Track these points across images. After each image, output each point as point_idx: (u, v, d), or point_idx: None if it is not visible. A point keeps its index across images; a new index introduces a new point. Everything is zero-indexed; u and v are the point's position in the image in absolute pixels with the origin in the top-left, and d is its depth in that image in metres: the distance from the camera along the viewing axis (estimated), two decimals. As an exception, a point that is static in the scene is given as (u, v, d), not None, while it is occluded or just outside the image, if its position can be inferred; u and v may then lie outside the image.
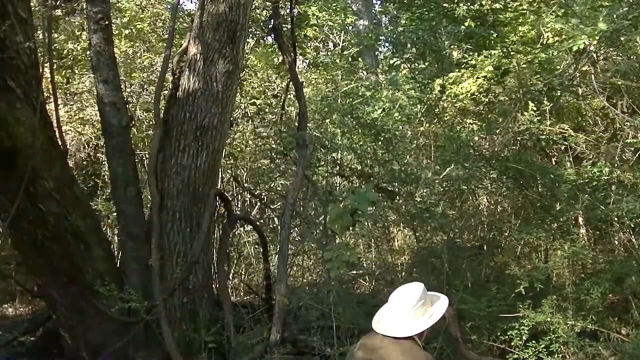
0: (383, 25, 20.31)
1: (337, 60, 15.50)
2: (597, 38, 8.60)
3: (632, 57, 9.41)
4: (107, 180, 11.26)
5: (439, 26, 11.33)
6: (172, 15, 9.28)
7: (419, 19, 11.83)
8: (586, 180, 8.70)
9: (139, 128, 11.97)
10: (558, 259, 8.61)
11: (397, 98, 11.34)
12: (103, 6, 8.48)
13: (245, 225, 12.03)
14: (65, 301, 7.83)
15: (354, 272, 10.71)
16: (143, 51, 13.02)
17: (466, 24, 11.11)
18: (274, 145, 12.63)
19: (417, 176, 10.61)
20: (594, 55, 9.62)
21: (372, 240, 11.82)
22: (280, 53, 11.15)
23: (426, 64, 12.68)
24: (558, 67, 9.85)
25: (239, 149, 12.57)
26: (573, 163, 9.89)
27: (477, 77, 10.25)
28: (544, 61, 9.72)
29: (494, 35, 10.86)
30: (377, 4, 21.29)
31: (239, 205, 12.92)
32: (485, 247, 10.63)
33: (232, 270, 11.67)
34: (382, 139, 10.86)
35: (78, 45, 12.45)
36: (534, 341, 7.36)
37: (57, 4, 11.70)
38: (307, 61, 17.17)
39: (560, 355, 7.46)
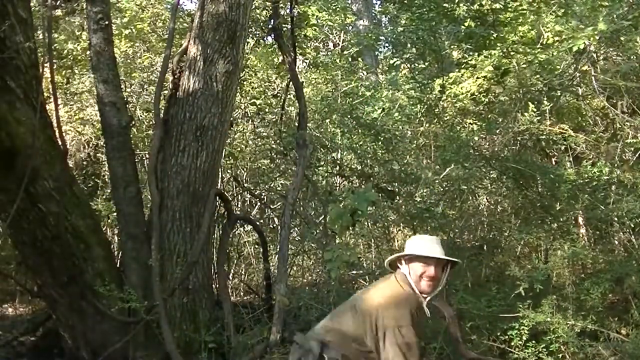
0: (383, 25, 20.32)
1: (337, 60, 15.47)
2: (597, 38, 8.61)
3: (632, 57, 9.41)
4: (107, 180, 11.26)
5: (439, 26, 11.33)
6: (172, 15, 9.27)
7: (419, 19, 11.82)
8: (586, 180, 8.70)
9: (139, 128, 11.96)
10: (558, 259, 8.61)
11: (397, 98, 11.34)
12: (103, 6, 8.48)
13: (245, 225, 12.03)
14: (65, 301, 7.82)
15: (354, 272, 10.70)
16: (143, 51, 13.02)
17: (466, 24, 11.10)
18: (274, 145, 12.62)
19: (417, 176, 10.61)
20: (594, 56, 9.63)
21: (372, 240, 11.81)
22: (280, 53, 11.13)
23: (426, 64, 12.68)
24: (558, 67, 9.85)
25: (239, 149, 12.56)
26: (573, 163, 9.91)
27: (477, 77, 10.25)
28: (544, 61, 9.71)
29: (494, 35, 10.85)
30: (377, 4, 21.32)
31: (239, 205, 12.92)
32: (485, 247, 10.63)
33: (232, 270, 11.67)
34: (382, 139, 10.87)
35: (78, 45, 12.45)
36: (534, 341, 7.36)
37: (57, 4, 11.72)
38: (307, 61, 17.16)
39: (560, 355, 7.46)
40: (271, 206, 12.65)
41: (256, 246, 12.30)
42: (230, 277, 11.41)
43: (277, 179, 12.79)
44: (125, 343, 7.77)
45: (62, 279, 7.68)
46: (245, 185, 12.58)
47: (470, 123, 10.67)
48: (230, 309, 8.46)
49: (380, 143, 10.98)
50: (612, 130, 10.35)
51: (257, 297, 10.66)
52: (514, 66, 9.89)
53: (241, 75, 10.79)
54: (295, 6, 11.84)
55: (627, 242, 9.49)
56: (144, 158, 11.65)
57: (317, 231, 10.44)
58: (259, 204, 12.80)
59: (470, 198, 11.22)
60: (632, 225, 8.90)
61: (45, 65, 7.81)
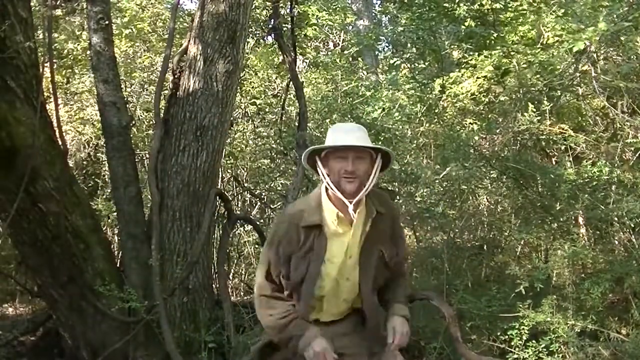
0: (383, 25, 20.33)
1: (337, 60, 15.49)
2: (597, 39, 8.60)
3: (632, 58, 9.40)
4: (107, 180, 11.26)
5: (439, 26, 11.36)
6: (172, 15, 9.25)
7: (419, 18, 11.83)
8: (586, 180, 8.69)
9: (139, 128, 11.96)
10: (558, 258, 8.60)
11: (397, 98, 11.35)
12: (103, 6, 8.46)
13: (245, 225, 12.01)
14: (65, 301, 7.81)
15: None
16: (143, 51, 13.02)
17: (466, 23, 11.12)
18: (274, 145, 12.62)
19: (417, 176, 10.60)
20: (594, 56, 9.62)
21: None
22: (280, 53, 11.14)
23: (426, 63, 12.70)
24: (558, 67, 9.83)
25: (239, 149, 12.56)
26: (573, 163, 9.89)
27: (477, 77, 10.25)
28: (544, 61, 9.71)
29: (494, 35, 10.86)
30: (377, 3, 21.33)
31: (239, 205, 12.91)
32: (485, 247, 10.64)
33: (232, 270, 11.66)
34: (382, 138, 10.86)
35: (78, 45, 12.44)
36: (534, 341, 7.35)
37: (58, 3, 11.69)
38: (307, 61, 17.18)
39: (560, 355, 7.45)
40: (271, 206, 12.63)
41: (256, 246, 12.28)
42: (231, 277, 11.41)
43: (277, 178, 12.79)
44: (126, 343, 7.76)
45: (62, 279, 7.66)
46: (246, 185, 12.58)
47: (470, 123, 10.67)
48: (231, 308, 8.45)
49: (380, 143, 10.97)
50: (612, 130, 10.34)
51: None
52: (514, 66, 9.90)
53: (241, 75, 10.79)
54: (296, 6, 11.85)
55: (627, 242, 9.47)
56: (144, 158, 11.64)
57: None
58: (259, 203, 12.78)
59: (470, 198, 11.23)
60: (632, 225, 8.88)
61: (46, 65, 7.79)
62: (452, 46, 11.55)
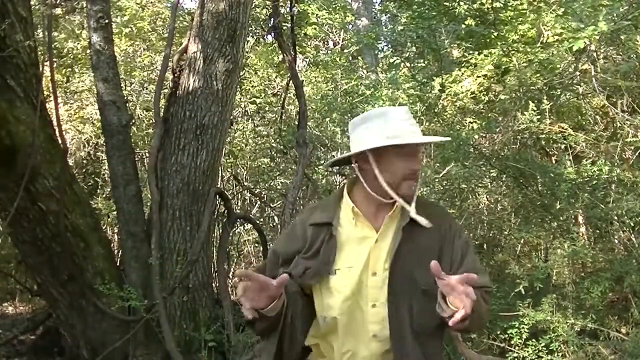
0: (383, 24, 20.31)
1: (337, 59, 15.46)
2: (597, 38, 8.60)
3: (632, 57, 9.40)
4: (107, 178, 11.26)
5: (439, 25, 11.33)
6: (172, 14, 9.25)
7: (418, 17, 11.81)
8: (586, 179, 8.69)
9: (139, 127, 11.96)
10: (558, 257, 8.61)
11: (397, 97, 11.34)
12: (103, 5, 8.46)
13: (245, 224, 12.03)
14: (65, 300, 7.81)
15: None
16: (143, 50, 13.02)
17: (466, 22, 11.10)
18: (274, 144, 12.62)
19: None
20: (594, 55, 9.62)
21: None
22: (280, 52, 11.14)
23: (426, 62, 12.69)
24: (558, 66, 9.83)
25: (239, 148, 12.56)
26: (573, 162, 9.88)
27: (477, 76, 10.24)
28: (544, 60, 9.69)
29: (494, 34, 10.83)
30: (376, 2, 21.35)
31: (239, 204, 12.91)
32: (485, 246, 10.64)
33: (232, 269, 11.66)
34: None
35: (78, 43, 12.44)
36: (533, 340, 7.36)
37: (57, 2, 11.72)
38: (307, 60, 17.16)
39: (560, 354, 7.45)
40: (271, 205, 12.64)
41: (256, 245, 12.30)
42: (231, 276, 11.40)
43: (277, 177, 12.79)
44: (125, 342, 7.76)
45: (62, 278, 7.67)
46: (245, 183, 12.58)
47: (470, 122, 10.66)
48: (231, 307, 8.45)
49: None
50: (612, 129, 10.34)
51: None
52: (514, 65, 9.88)
53: (241, 74, 10.79)
54: (295, 5, 11.85)
55: (627, 241, 9.47)
56: (144, 157, 11.65)
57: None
58: (259, 202, 12.79)
59: (470, 197, 11.23)
60: (632, 224, 8.88)
61: (45, 63, 7.78)
62: (452, 45, 11.53)
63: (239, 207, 12.62)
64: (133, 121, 9.39)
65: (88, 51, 9.21)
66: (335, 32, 18.54)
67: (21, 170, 6.87)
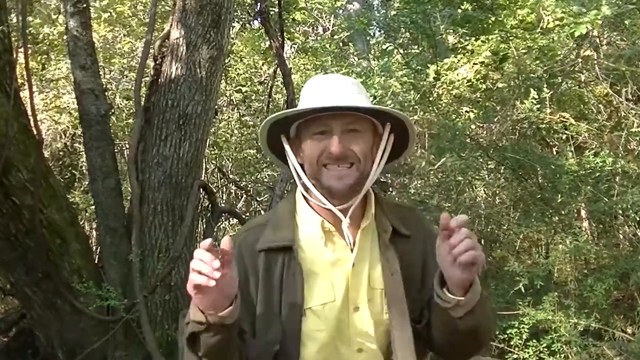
0: (375, 8, 20.27)
1: (327, 46, 15.42)
2: (600, 23, 8.56)
3: (636, 42, 9.37)
4: (84, 171, 11.21)
5: (434, 10, 11.28)
6: (154, -2, 9.18)
7: (413, 1, 11.77)
8: (589, 171, 8.69)
9: (119, 116, 11.88)
10: (559, 253, 8.60)
11: (390, 85, 11.29)
12: (80, -12, 8.38)
13: (230, 219, 11.98)
14: (40, 299, 7.72)
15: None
16: (123, 36, 12.93)
17: (463, 7, 11.05)
18: (260, 135, 12.56)
19: (410, 167, 10.57)
20: (597, 40, 9.58)
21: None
22: (267, 38, 11.08)
23: (420, 49, 12.65)
24: (559, 52, 9.81)
25: (223, 139, 12.50)
26: (575, 153, 9.87)
27: (474, 63, 10.22)
28: (544, 46, 9.67)
29: (492, 19, 10.80)
30: (368, -14, 21.28)
31: (224, 198, 12.86)
32: (482, 242, 10.60)
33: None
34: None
35: (54, 29, 12.34)
36: (534, 340, 7.34)
37: (32, -15, 11.62)
38: (296, 46, 17.09)
39: (563, 355, 7.43)
40: (258, 198, 12.59)
41: (242, 241, 12.25)
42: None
43: (264, 169, 12.75)
44: (104, 343, 7.69)
45: (36, 276, 7.58)
46: (231, 176, 12.53)
47: (466, 111, 10.64)
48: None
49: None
50: (615, 118, 10.34)
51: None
52: (512, 51, 9.86)
53: (226, 61, 10.72)
54: (283, -12, 11.78)
55: (632, 236, 9.48)
56: (124, 148, 11.57)
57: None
58: (244, 196, 12.74)
59: (467, 190, 11.20)
60: (638, 219, 8.85)
61: (20, 50, 7.70)
62: (448, 31, 11.51)
63: (224, 201, 12.57)
64: (112, 111, 9.32)
65: (65, 37, 9.12)
66: (325, 17, 18.49)
67: (-7, 163, 6.78)
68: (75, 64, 8.36)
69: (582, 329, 7.52)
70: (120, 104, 12.15)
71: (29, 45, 8.87)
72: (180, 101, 8.30)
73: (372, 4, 20.81)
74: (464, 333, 2.67)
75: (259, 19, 11.32)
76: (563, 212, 9.13)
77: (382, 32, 15.47)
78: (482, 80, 10.37)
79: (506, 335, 7.51)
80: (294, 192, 3.08)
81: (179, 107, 8.29)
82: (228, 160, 12.85)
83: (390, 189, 11.06)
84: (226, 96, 12.92)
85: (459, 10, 11.07)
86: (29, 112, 7.58)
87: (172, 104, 8.30)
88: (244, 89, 13.15)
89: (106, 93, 8.98)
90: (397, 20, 12.60)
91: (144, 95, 8.64)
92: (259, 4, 10.73)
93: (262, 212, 12.50)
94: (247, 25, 14.21)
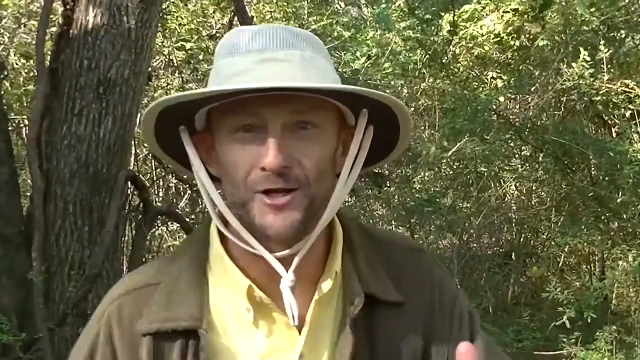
0: None
1: (302, -15, 15.49)
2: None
3: None
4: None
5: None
6: None
7: None
8: (660, 161, 8.71)
9: (14, 81, 11.84)
10: (619, 273, 8.61)
11: (388, 41, 11.30)
12: None
13: (169, 222, 11.97)
14: None
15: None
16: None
17: None
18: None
19: (415, 153, 10.58)
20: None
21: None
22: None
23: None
24: (623, -4, 9.86)
25: (160, 113, 12.49)
26: (642, 135, 9.91)
27: (504, 12, 10.23)
28: (602, -12, 9.72)
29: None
30: None
31: (161, 194, 12.85)
32: (513, 256, 10.63)
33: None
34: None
35: None
36: (585, 391, 7.36)
37: None
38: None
39: (623, 410, 7.46)
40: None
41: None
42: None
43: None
44: (-7, 393, 7.67)
45: None
46: (170, 165, 12.53)
47: (492, 77, 10.66)
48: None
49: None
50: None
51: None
52: (558, -5, 9.90)
53: (164, 7, 10.69)
54: None
55: None
56: (22, 125, 11.54)
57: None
58: (189, 192, 12.73)
59: (493, 185, 11.22)
60: None
61: None
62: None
63: (160, 199, 12.56)
64: (5, 73, 9.28)
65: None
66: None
67: None
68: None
69: (649, 376, 7.56)
70: (16, 64, 12.10)
71: None
72: (100, 61, 8.26)
73: None
74: None
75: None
76: (624, 216, 9.15)
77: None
78: (514, 36, 10.38)
79: (546, 385, 7.54)
80: (206, 225, 2.45)
81: (98, 69, 8.25)
82: (166, 143, 12.84)
83: (388, 184, 11.06)
84: (164, 55, 12.91)
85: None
86: None
87: (89, 65, 8.26)
88: (188, 46, 13.14)
89: (-4, 49, 8.94)
90: (399, -49, 12.63)
91: (49, 53, 8.59)
92: None
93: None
94: (193, -43, 14.23)
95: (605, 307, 8.48)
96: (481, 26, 10.31)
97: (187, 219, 10.98)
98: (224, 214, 2.24)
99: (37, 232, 7.76)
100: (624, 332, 8.06)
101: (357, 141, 2.26)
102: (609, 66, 9.59)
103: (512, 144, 10.10)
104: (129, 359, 2.26)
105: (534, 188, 11.02)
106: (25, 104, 11.50)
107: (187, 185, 12.39)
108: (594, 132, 10.56)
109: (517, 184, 11.27)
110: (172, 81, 12.84)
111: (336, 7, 15.89)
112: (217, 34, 13.18)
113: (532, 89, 10.28)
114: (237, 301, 2.26)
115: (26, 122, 10.76)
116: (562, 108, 10.44)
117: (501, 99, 10.33)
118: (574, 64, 9.27)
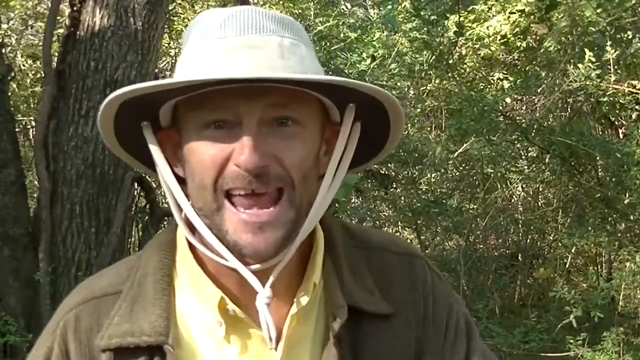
0: None
1: (308, -14, 15.50)
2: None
3: None
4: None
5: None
6: None
7: None
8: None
9: (21, 83, 11.85)
10: (626, 274, 8.60)
11: (395, 42, 11.30)
12: None
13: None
14: None
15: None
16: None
17: None
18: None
19: (422, 154, 10.58)
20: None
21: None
22: (226, -25, 11.08)
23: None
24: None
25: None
26: (649, 136, 9.90)
27: (511, 12, 10.22)
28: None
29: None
30: None
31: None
32: (520, 257, 10.62)
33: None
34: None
35: None
36: (592, 393, 7.35)
37: None
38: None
39: (630, 413, 7.46)
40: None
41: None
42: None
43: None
44: (1, 394, 7.67)
45: None
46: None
47: (499, 78, 10.65)
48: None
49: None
50: None
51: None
52: (565, -4, 9.90)
53: (170, 8, 10.70)
54: None
55: None
56: (29, 126, 11.55)
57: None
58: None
59: (499, 186, 11.21)
60: None
61: None
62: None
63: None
64: (12, 74, 9.28)
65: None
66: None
67: None
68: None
69: (657, 378, 7.56)
70: (23, 66, 12.12)
71: None
72: (107, 62, 8.27)
73: None
74: None
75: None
76: (632, 218, 9.14)
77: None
78: (521, 37, 10.38)
79: (553, 386, 7.54)
80: (173, 228, 2.27)
81: (105, 70, 8.26)
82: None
83: (394, 185, 11.06)
84: (170, 56, 12.92)
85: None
86: None
87: (96, 67, 8.27)
88: (194, 46, 13.14)
89: (2, 50, 8.93)
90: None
91: (56, 54, 8.59)
92: None
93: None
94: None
95: (613, 309, 8.48)
96: (487, 27, 10.31)
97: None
98: (192, 220, 2.06)
99: (44, 233, 7.76)
100: (631, 333, 8.06)
101: (343, 140, 2.08)
102: (615, 67, 9.58)
103: (518, 145, 10.10)
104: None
105: (540, 189, 11.01)
106: (32, 106, 11.52)
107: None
108: (600, 133, 10.57)
109: (524, 185, 11.27)
110: (179, 82, 12.86)
111: (342, 9, 15.91)
112: (224, 35, 13.21)
113: (539, 90, 10.27)
114: (207, 314, 2.07)
115: (33, 123, 10.77)
116: (569, 109, 10.44)
117: (508, 100, 10.34)
118: (580, 65, 9.27)
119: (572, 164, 9.57)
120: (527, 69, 10.55)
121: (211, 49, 1.95)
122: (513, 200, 11.37)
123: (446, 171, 10.77)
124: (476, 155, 10.19)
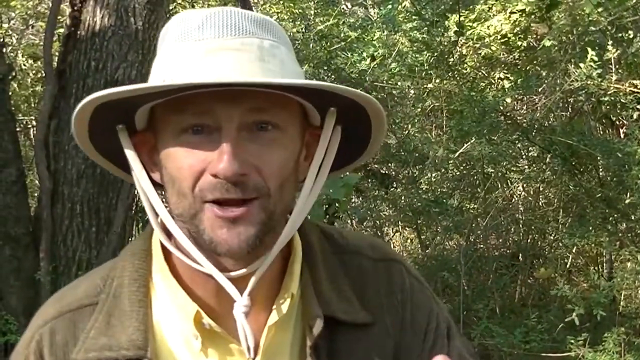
0: None
1: (309, -14, 15.49)
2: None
3: None
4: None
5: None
6: None
7: None
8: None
9: (22, 82, 11.84)
10: (627, 274, 8.60)
11: (395, 42, 11.29)
12: None
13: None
14: None
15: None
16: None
17: None
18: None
19: (422, 154, 10.57)
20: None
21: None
22: (226, -25, 11.07)
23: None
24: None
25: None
26: (650, 136, 9.90)
27: (511, 12, 10.22)
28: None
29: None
30: None
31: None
32: (520, 257, 10.61)
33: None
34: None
35: None
36: (593, 393, 7.35)
37: None
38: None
39: (632, 414, 7.46)
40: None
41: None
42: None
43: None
44: (2, 394, 7.66)
45: None
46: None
47: (499, 78, 10.64)
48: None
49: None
50: None
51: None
52: (565, -5, 9.89)
53: (171, 8, 10.69)
54: None
55: None
56: (29, 126, 11.54)
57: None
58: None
59: (500, 186, 11.21)
60: None
61: None
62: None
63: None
64: (13, 74, 9.27)
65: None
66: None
67: None
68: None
69: (659, 378, 7.56)
70: (24, 65, 12.11)
71: None
72: (107, 62, 8.26)
73: None
74: None
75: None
76: (633, 218, 9.14)
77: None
78: (521, 36, 10.37)
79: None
80: (148, 235, 2.24)
81: (105, 70, 8.25)
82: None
83: (395, 185, 11.05)
84: (170, 56, 12.91)
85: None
86: None
87: (97, 66, 8.26)
88: (195, 46, 13.14)
89: (3, 49, 8.92)
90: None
91: (57, 54, 8.58)
92: None
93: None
94: (199, -42, 14.22)
95: (614, 309, 8.47)
96: (488, 27, 10.30)
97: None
98: (168, 226, 2.04)
99: (45, 232, 7.76)
100: (632, 333, 8.06)
101: (324, 145, 2.07)
102: (617, 67, 9.57)
103: (519, 145, 10.09)
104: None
105: (541, 189, 11.01)
106: (33, 105, 11.51)
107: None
108: (601, 132, 10.56)
109: (525, 185, 11.26)
110: (179, 82, 12.85)
111: (343, 8, 15.90)
112: (224, 35, 13.20)
113: (540, 90, 10.26)
114: (184, 325, 2.06)
115: (34, 123, 10.78)
116: (570, 109, 10.43)
117: (508, 99, 10.32)
118: (581, 65, 9.26)
119: (573, 163, 9.56)
120: (527, 68, 10.54)
121: (189, 51, 1.94)
122: (514, 200, 11.37)
123: (447, 171, 10.75)
124: (477, 155, 10.18)
